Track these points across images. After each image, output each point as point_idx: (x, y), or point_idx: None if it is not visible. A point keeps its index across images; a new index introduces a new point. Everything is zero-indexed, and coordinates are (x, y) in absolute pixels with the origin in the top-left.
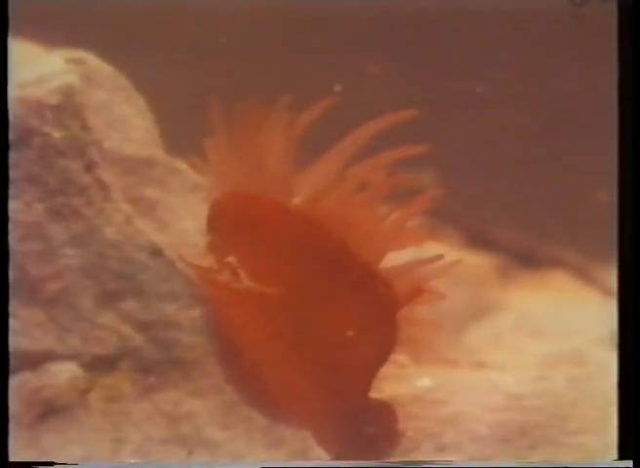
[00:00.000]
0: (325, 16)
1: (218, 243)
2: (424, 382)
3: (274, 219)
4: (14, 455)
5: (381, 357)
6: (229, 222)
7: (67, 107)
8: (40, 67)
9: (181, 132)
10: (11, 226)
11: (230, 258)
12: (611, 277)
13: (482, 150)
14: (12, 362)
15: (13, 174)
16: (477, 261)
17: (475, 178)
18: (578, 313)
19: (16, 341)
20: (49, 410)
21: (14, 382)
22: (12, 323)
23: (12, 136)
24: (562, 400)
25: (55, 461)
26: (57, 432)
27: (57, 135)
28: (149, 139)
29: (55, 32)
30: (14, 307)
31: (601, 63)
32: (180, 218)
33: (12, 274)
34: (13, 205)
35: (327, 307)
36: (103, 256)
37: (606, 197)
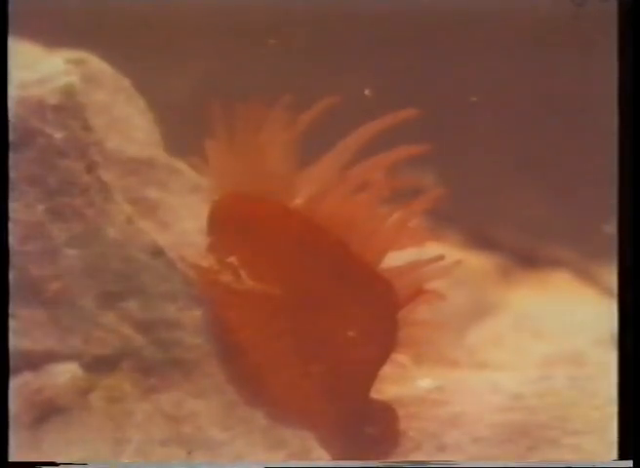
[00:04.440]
0: (323, 16)
1: (218, 243)
2: (425, 382)
3: (275, 220)
4: (14, 456)
5: (382, 357)
6: (230, 223)
7: (68, 108)
8: (41, 68)
9: (182, 132)
10: (12, 227)
11: (231, 259)
12: (611, 277)
13: (482, 150)
14: (13, 362)
15: (14, 174)
16: (478, 262)
17: (476, 178)
18: (578, 313)
19: (17, 342)
20: (50, 411)
21: (15, 383)
22: (13, 323)
23: (13, 136)
24: (563, 400)
25: (55, 462)
26: (57, 433)
27: (57, 135)
28: (150, 140)
29: (55, 32)
30: (15, 308)
31: (601, 63)
32: (180, 219)
33: (13, 274)
34: (14, 205)
35: (328, 307)
36: (104, 257)
37: (605, 197)
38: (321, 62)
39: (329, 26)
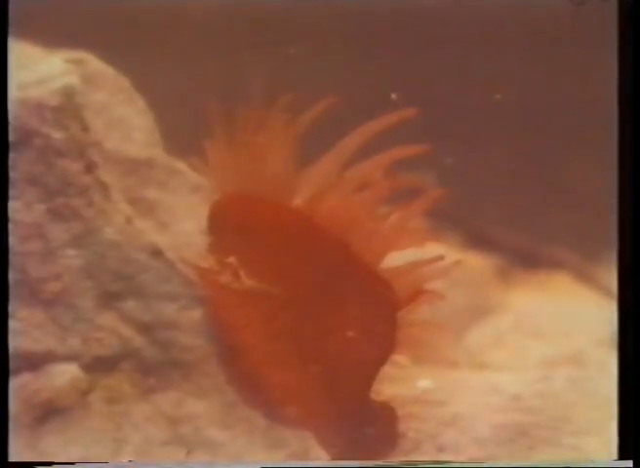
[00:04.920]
0: (323, 15)
1: (218, 243)
2: (425, 383)
3: (275, 220)
4: (14, 456)
5: (382, 357)
6: (230, 223)
7: (67, 108)
8: (40, 68)
9: (182, 132)
10: (11, 227)
11: (231, 259)
12: (611, 277)
13: (482, 150)
14: (12, 363)
15: (13, 174)
16: (477, 262)
17: (475, 179)
18: (578, 314)
19: (16, 342)
20: (49, 412)
21: (14, 383)
22: (12, 324)
23: (12, 137)
24: (562, 400)
25: (55, 462)
26: (57, 433)
27: (57, 135)
28: (149, 140)
29: (55, 33)
30: (14, 308)
31: (601, 63)
32: (180, 219)
33: (12, 275)
34: (13, 205)
35: (327, 308)
36: (104, 257)
37: (606, 197)
38: (320, 61)
39: (328, 25)
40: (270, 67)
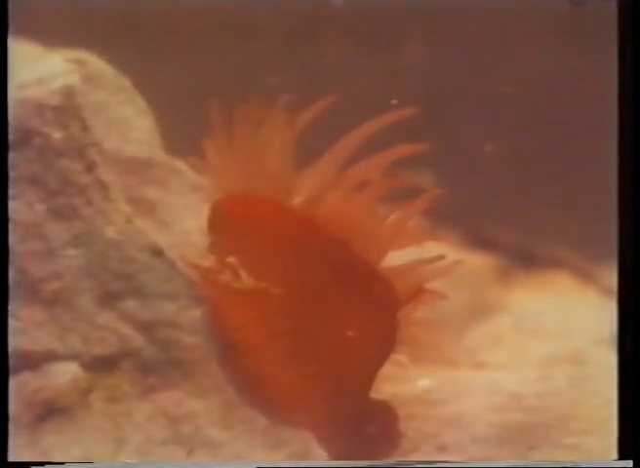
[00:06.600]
0: (326, 13)
1: (218, 243)
2: (425, 382)
3: (275, 220)
4: (14, 456)
5: (382, 357)
6: (230, 223)
7: (68, 108)
8: (40, 68)
9: (182, 132)
10: (11, 226)
11: (231, 259)
12: (611, 277)
13: (481, 149)
14: (12, 362)
15: (13, 174)
16: (477, 261)
17: (475, 178)
18: (578, 313)
19: (16, 342)
20: (50, 411)
21: (14, 383)
22: (12, 323)
23: (12, 136)
24: (562, 400)
25: (55, 461)
26: (57, 432)
27: (57, 135)
28: (149, 140)
29: (55, 32)
30: (14, 307)
31: (601, 63)
32: (180, 218)
33: (12, 274)
34: (13, 205)
35: (327, 307)
36: (104, 257)
37: (605, 197)
38: (320, 60)
39: (327, 24)
40: (271, 67)
